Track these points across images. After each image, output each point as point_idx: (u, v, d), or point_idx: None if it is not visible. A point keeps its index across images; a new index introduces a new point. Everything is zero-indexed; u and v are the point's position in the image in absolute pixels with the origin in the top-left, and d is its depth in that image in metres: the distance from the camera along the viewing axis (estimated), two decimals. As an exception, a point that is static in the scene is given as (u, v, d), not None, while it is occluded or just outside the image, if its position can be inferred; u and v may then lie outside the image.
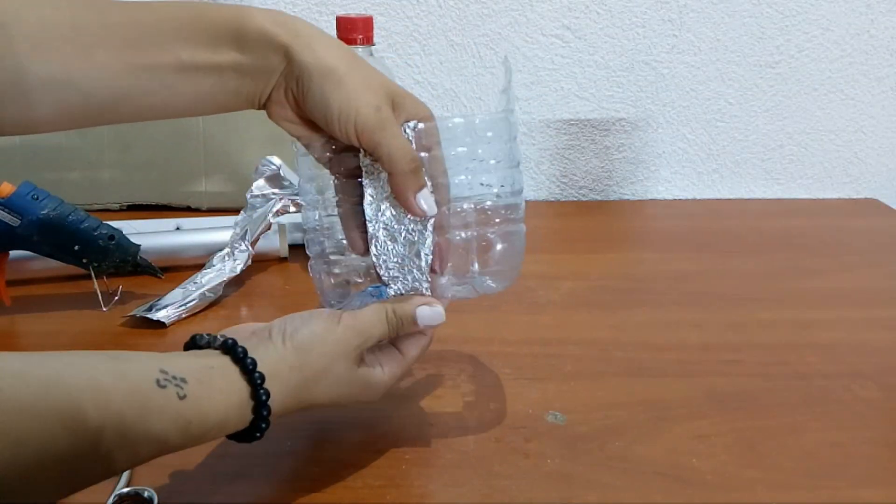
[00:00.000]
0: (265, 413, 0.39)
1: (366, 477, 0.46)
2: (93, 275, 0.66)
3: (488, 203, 0.48)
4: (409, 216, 0.46)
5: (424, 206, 0.45)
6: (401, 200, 0.45)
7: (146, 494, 0.44)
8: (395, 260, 0.47)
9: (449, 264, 0.48)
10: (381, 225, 0.46)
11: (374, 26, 0.70)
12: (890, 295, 0.73)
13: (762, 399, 0.55)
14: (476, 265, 0.49)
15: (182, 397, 0.36)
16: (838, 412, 0.53)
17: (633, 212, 0.97)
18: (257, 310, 0.68)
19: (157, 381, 0.36)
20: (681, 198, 1.01)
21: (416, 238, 0.47)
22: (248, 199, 0.74)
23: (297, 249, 0.79)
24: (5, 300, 0.66)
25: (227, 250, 0.71)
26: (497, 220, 0.48)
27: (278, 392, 0.40)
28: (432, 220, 0.46)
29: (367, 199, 0.46)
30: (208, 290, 0.67)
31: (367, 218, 0.46)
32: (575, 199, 1.01)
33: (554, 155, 0.99)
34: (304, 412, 0.43)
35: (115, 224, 0.67)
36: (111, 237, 0.66)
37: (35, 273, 0.71)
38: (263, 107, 0.47)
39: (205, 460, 0.47)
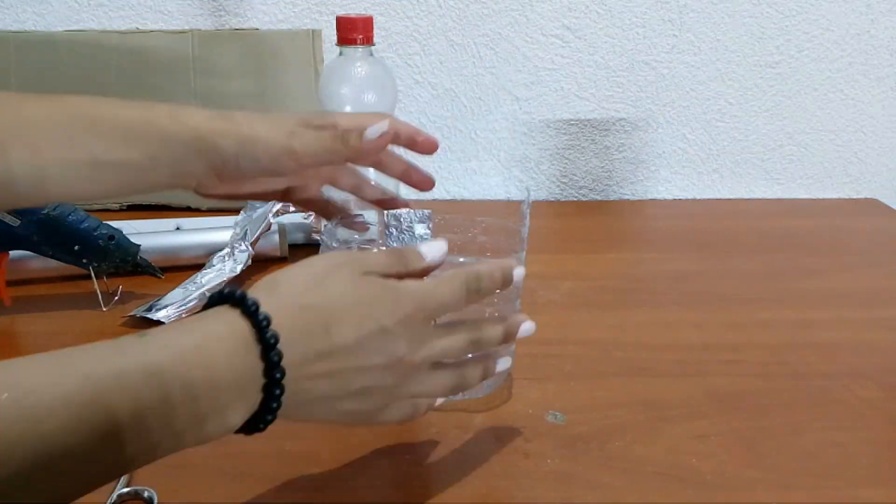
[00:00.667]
0: (263, 320, 0.35)
1: (366, 477, 0.46)
2: (93, 275, 0.66)
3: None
4: None
5: (378, 129, 0.48)
6: (365, 149, 0.48)
7: (146, 494, 0.44)
8: None
9: None
10: None
11: (374, 26, 0.70)
12: (890, 295, 0.73)
13: (762, 399, 0.55)
14: None
15: (142, 336, 0.33)
16: (838, 412, 0.53)
17: (633, 212, 0.97)
18: (257, 310, 0.68)
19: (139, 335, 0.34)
20: (681, 198, 1.01)
21: None
22: (248, 198, 0.74)
23: (297, 249, 0.79)
24: (5, 300, 0.66)
25: (227, 250, 0.71)
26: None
27: (272, 300, 0.36)
28: None
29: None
30: (208, 291, 0.67)
31: None
32: (575, 199, 1.01)
33: (554, 155, 0.99)
34: (327, 358, 0.37)
35: (115, 224, 0.67)
36: (111, 237, 0.66)
37: (35, 273, 0.71)
38: (195, 190, 0.48)
39: (205, 460, 0.47)
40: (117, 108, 0.45)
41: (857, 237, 0.88)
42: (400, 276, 0.41)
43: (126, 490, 0.44)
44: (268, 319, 0.35)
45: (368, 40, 0.70)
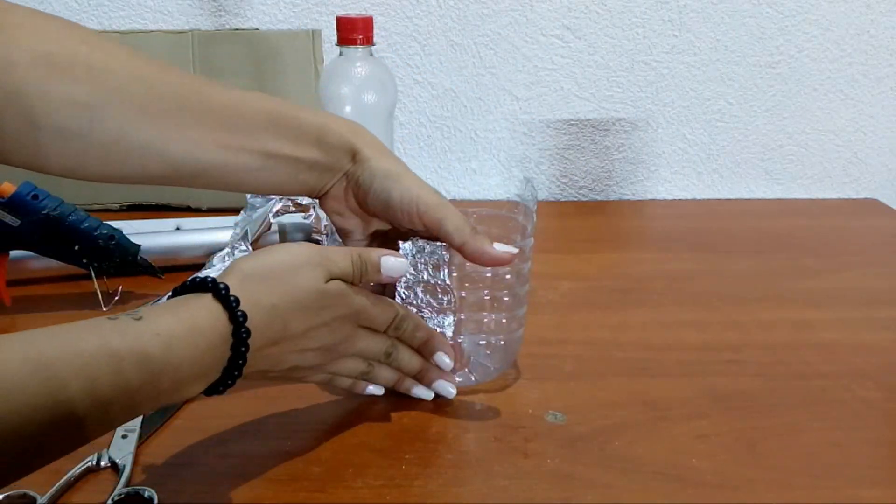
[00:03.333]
0: (240, 316, 0.40)
1: (366, 477, 0.46)
2: (93, 275, 0.66)
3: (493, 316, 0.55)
4: (436, 305, 0.52)
5: (506, 249, 0.50)
6: (483, 260, 0.49)
7: (146, 494, 0.44)
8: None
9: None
10: (413, 308, 0.52)
11: (374, 26, 0.70)
12: (890, 295, 0.73)
13: (762, 399, 0.55)
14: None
15: (138, 318, 0.37)
16: (838, 412, 0.53)
17: (633, 212, 0.97)
18: (257, 310, 0.68)
19: (108, 318, 0.37)
20: (681, 198, 1.01)
21: (437, 328, 0.52)
22: (248, 199, 0.74)
23: (297, 249, 0.79)
24: (5, 300, 0.66)
25: (227, 250, 0.71)
26: (503, 322, 0.55)
27: (248, 295, 0.41)
28: (455, 310, 0.52)
29: (402, 283, 0.51)
30: (208, 290, 0.67)
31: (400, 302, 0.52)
32: (575, 199, 1.01)
33: (554, 155, 0.99)
34: (277, 344, 0.43)
35: (115, 224, 0.67)
36: (111, 237, 0.66)
37: (35, 273, 0.71)
38: (319, 197, 0.53)
39: (205, 460, 0.47)
40: (299, 111, 0.51)
41: (857, 237, 0.88)
42: (354, 283, 0.47)
43: (126, 490, 0.44)
44: (244, 317, 0.40)
45: (368, 40, 0.70)
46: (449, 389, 0.53)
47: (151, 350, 0.36)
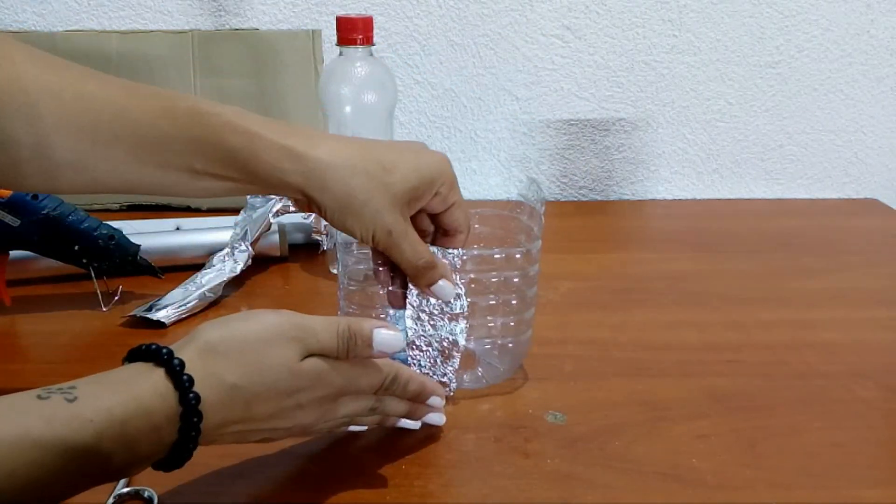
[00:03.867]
0: (192, 399, 0.36)
1: (366, 477, 0.46)
2: (93, 275, 0.66)
3: (500, 320, 0.55)
4: (447, 311, 0.51)
5: (439, 294, 0.50)
6: (428, 293, 0.50)
7: (146, 494, 0.44)
8: (428, 362, 0.52)
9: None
10: (420, 332, 0.52)
11: (374, 26, 0.70)
12: (890, 295, 0.73)
13: (762, 399, 0.55)
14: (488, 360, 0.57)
15: (72, 399, 0.34)
16: (838, 412, 0.53)
17: (633, 212, 0.97)
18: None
19: (38, 396, 0.34)
20: (681, 198, 1.01)
21: (450, 341, 0.52)
22: (248, 199, 0.74)
23: (297, 249, 0.79)
24: (5, 300, 0.66)
25: (227, 250, 0.71)
26: (512, 325, 0.55)
27: (208, 369, 0.37)
28: (466, 316, 0.52)
29: (409, 310, 0.51)
30: (208, 291, 0.67)
31: (408, 326, 0.51)
32: (575, 199, 1.01)
33: (554, 155, 0.99)
34: (240, 423, 0.39)
35: (115, 224, 0.67)
36: (111, 237, 0.66)
37: (35, 273, 0.71)
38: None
39: (205, 460, 0.47)
40: (227, 132, 0.45)
41: (857, 237, 0.88)
42: (339, 358, 0.43)
43: (126, 490, 0.44)
44: (197, 399, 0.37)
45: (368, 40, 0.70)
46: (438, 420, 0.50)
47: (80, 438, 0.33)
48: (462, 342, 0.52)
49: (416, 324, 0.51)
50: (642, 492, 0.45)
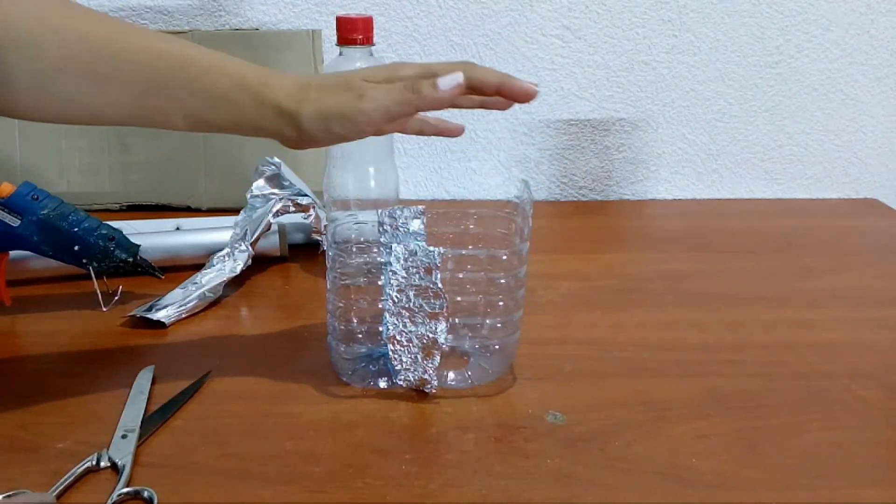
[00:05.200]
0: None
1: (366, 477, 0.46)
2: (93, 275, 0.66)
3: (488, 321, 0.56)
4: (427, 310, 0.51)
5: (446, 82, 0.49)
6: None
7: (146, 494, 0.44)
8: (409, 358, 0.53)
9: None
10: (401, 328, 0.52)
11: (374, 26, 0.70)
12: (890, 295, 0.73)
13: (762, 399, 0.55)
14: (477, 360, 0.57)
15: None
16: (838, 412, 0.53)
17: (632, 212, 0.97)
18: (257, 310, 0.68)
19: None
20: (681, 198, 1.01)
21: (430, 339, 0.52)
22: (248, 199, 0.74)
23: (298, 249, 0.79)
24: (5, 300, 0.66)
25: (227, 250, 0.71)
26: (499, 327, 0.56)
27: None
28: (447, 316, 0.51)
29: (395, 285, 0.51)
30: (208, 291, 0.67)
31: (388, 321, 0.52)
32: (575, 199, 1.01)
33: (554, 155, 0.99)
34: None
35: (115, 224, 0.68)
36: (111, 237, 0.66)
37: (35, 273, 0.71)
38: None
39: (205, 460, 0.47)
40: (216, 74, 0.48)
41: (857, 237, 0.88)
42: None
43: (126, 490, 0.44)
44: None
45: (368, 40, 0.70)
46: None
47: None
48: (442, 341, 0.52)
49: (397, 319, 0.52)
50: (642, 492, 0.45)
